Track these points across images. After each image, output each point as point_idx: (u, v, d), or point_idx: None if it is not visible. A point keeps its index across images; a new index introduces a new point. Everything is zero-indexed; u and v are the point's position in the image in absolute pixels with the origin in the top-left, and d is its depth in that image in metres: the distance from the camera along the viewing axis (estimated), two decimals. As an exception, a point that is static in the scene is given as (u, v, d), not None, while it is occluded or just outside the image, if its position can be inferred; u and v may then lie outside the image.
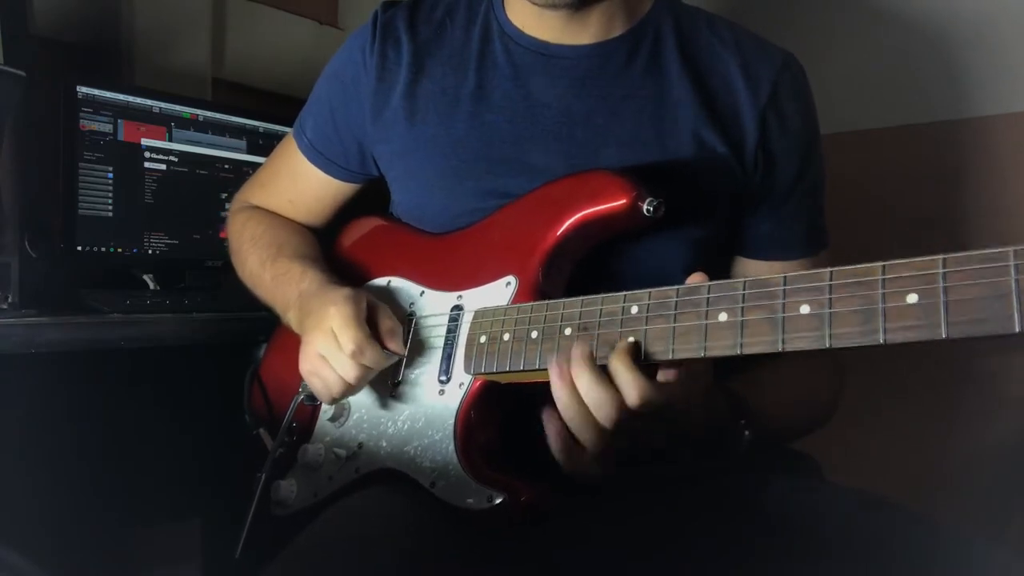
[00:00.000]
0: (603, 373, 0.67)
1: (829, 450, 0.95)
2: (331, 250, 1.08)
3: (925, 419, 1.28)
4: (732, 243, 0.94)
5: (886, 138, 1.33)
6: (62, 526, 1.44)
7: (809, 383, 0.91)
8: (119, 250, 1.47)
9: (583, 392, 0.68)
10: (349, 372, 0.84)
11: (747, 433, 0.76)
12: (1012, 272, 0.48)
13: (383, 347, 0.85)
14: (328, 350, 0.84)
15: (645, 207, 0.77)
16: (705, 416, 0.73)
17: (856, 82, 1.34)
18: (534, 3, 0.86)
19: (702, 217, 0.89)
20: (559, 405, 0.70)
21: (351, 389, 0.87)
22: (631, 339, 0.68)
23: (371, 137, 1.00)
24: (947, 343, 0.51)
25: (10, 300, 1.23)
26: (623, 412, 0.66)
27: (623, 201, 0.78)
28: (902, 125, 1.32)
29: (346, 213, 1.12)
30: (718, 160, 0.88)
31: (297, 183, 1.10)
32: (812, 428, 0.92)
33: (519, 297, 0.82)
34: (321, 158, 1.07)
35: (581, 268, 0.84)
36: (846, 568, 0.68)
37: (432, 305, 0.91)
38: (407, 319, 0.92)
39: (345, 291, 0.88)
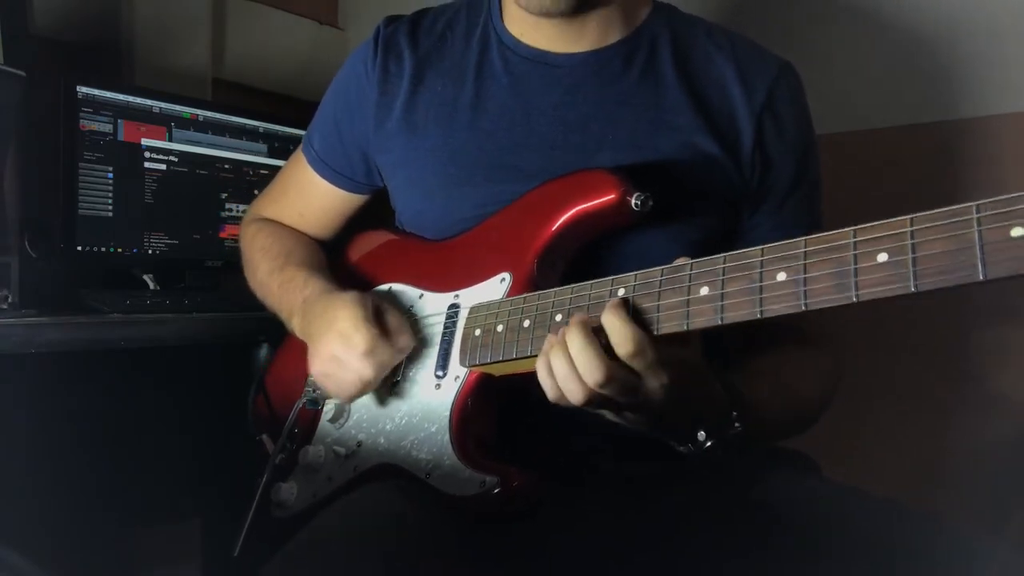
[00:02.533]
0: (593, 337, 0.68)
1: (829, 450, 0.95)
2: (336, 262, 1.10)
3: (924, 418, 1.28)
4: (730, 246, 0.95)
5: (886, 138, 1.33)
6: (62, 526, 1.44)
7: (806, 381, 0.91)
8: (119, 250, 1.47)
9: (573, 353, 0.68)
10: (364, 371, 0.85)
11: (737, 425, 0.76)
12: (975, 224, 0.51)
13: (392, 344, 0.86)
14: (340, 351, 0.85)
15: (633, 201, 0.79)
16: (700, 399, 0.73)
17: (856, 82, 1.34)
18: (529, 11, 0.87)
19: (697, 219, 0.89)
20: (553, 364, 0.70)
21: (366, 388, 0.88)
22: (620, 293, 0.70)
23: (374, 148, 1.02)
24: (919, 296, 0.54)
25: (10, 300, 1.24)
26: (608, 373, 0.66)
27: (612, 196, 0.79)
28: (902, 125, 1.32)
29: (354, 227, 1.13)
30: (714, 164, 0.89)
31: (306, 195, 1.12)
32: (803, 427, 0.91)
33: (513, 292, 0.84)
34: (328, 170, 1.08)
35: (577, 272, 0.85)
36: (846, 565, 0.68)
37: (430, 306, 0.92)
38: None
39: (350, 294, 0.89)
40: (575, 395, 0.69)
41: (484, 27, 0.98)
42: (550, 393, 0.72)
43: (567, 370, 0.68)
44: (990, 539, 0.70)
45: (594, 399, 0.69)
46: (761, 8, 1.44)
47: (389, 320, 0.88)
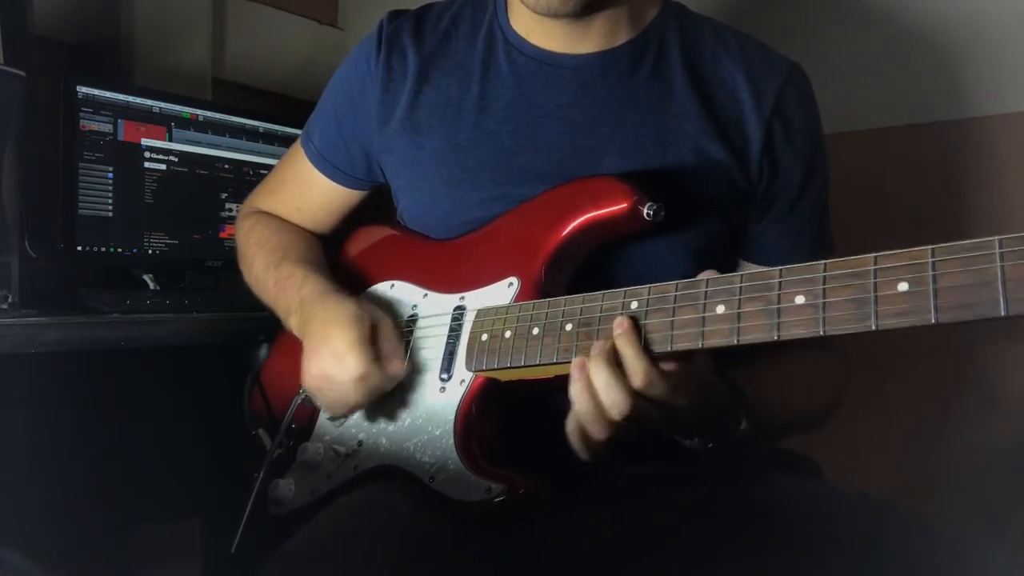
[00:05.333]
0: (619, 372, 0.69)
1: (829, 450, 0.95)
2: (337, 257, 1.09)
3: (925, 419, 1.28)
4: (737, 251, 0.95)
5: (886, 138, 1.33)
6: (62, 525, 1.44)
7: (813, 382, 0.91)
8: (119, 250, 1.47)
9: (599, 388, 0.69)
10: (353, 396, 0.85)
11: (743, 424, 0.77)
12: (998, 259, 0.51)
13: (385, 370, 0.86)
14: (334, 372, 0.85)
15: (645, 211, 0.79)
16: (704, 402, 0.74)
17: (856, 82, 1.34)
18: (536, 12, 0.87)
19: (703, 225, 0.89)
20: (574, 398, 0.71)
21: (354, 411, 0.89)
22: (633, 306, 0.71)
23: (377, 146, 1.01)
24: (938, 328, 0.54)
25: (10, 300, 1.23)
26: (633, 405, 0.68)
27: (624, 205, 0.79)
28: (902, 125, 1.32)
29: (353, 222, 1.13)
30: (721, 169, 0.89)
31: (304, 190, 1.11)
32: (813, 426, 0.92)
33: (521, 297, 0.83)
34: (328, 166, 1.07)
35: (584, 279, 0.85)
36: (846, 568, 0.68)
37: (434, 306, 0.91)
38: (409, 321, 0.93)
39: (348, 310, 0.88)
40: (600, 430, 0.71)
41: (489, 25, 0.97)
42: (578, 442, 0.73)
43: (591, 407, 0.70)
44: (990, 543, 0.70)
45: (615, 433, 0.71)
46: (762, 8, 1.44)
47: (384, 344, 0.87)
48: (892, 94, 1.33)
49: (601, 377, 0.69)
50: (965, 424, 1.24)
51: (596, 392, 0.69)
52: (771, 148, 0.90)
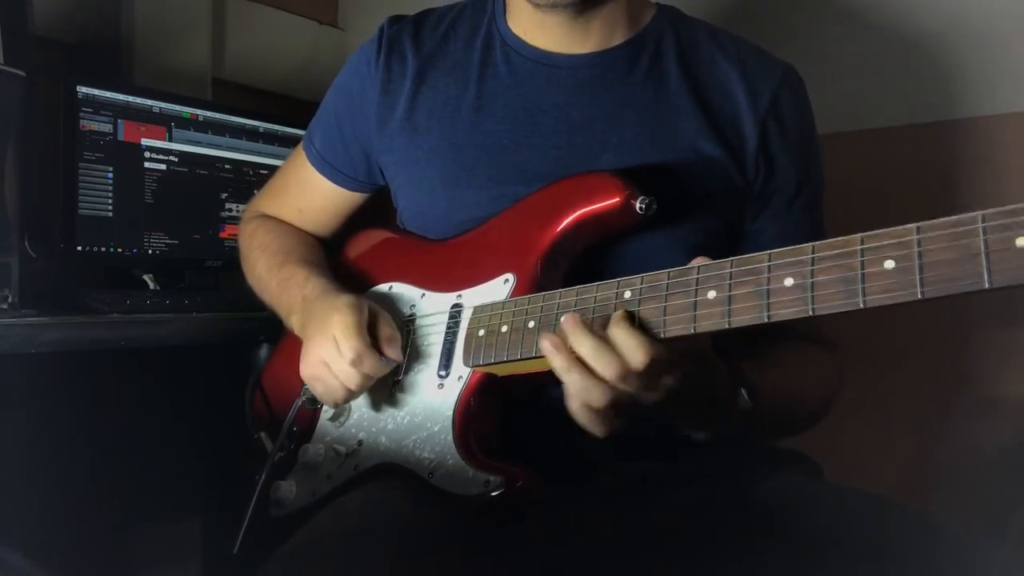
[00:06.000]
0: (602, 334, 0.68)
1: (829, 450, 0.95)
2: (337, 260, 1.10)
3: (925, 419, 1.28)
4: (734, 249, 0.95)
5: (886, 138, 1.33)
6: (62, 525, 1.44)
7: (811, 377, 0.92)
8: (119, 250, 1.47)
9: (587, 356, 0.68)
10: (350, 379, 0.85)
11: (747, 399, 0.77)
12: (981, 234, 0.52)
13: (382, 355, 0.86)
14: (330, 357, 0.86)
15: (638, 205, 0.80)
16: (705, 382, 0.74)
17: (856, 82, 1.34)
18: (536, 5, 0.87)
19: (699, 223, 0.90)
20: (562, 377, 0.70)
21: (352, 395, 0.88)
22: (627, 295, 0.71)
23: (376, 148, 1.02)
24: (925, 303, 0.55)
25: (10, 300, 1.23)
26: (627, 369, 0.67)
27: (616, 199, 0.80)
28: (902, 125, 1.32)
29: (354, 226, 1.13)
30: (717, 167, 0.89)
31: (306, 193, 1.12)
32: (810, 420, 0.92)
33: (517, 293, 0.84)
34: (329, 168, 1.08)
35: (580, 275, 0.85)
36: (846, 567, 0.68)
37: (432, 306, 0.92)
38: (408, 321, 0.93)
39: (347, 299, 0.89)
40: (600, 397, 0.69)
41: (488, 27, 0.98)
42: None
43: (582, 379, 0.68)
44: (990, 541, 0.70)
45: (617, 397, 0.69)
46: (761, 8, 1.44)
47: (382, 330, 0.87)
48: (892, 94, 1.33)
49: (586, 346, 0.68)
50: (965, 424, 1.24)
51: (584, 361, 0.68)
52: (767, 146, 0.90)
